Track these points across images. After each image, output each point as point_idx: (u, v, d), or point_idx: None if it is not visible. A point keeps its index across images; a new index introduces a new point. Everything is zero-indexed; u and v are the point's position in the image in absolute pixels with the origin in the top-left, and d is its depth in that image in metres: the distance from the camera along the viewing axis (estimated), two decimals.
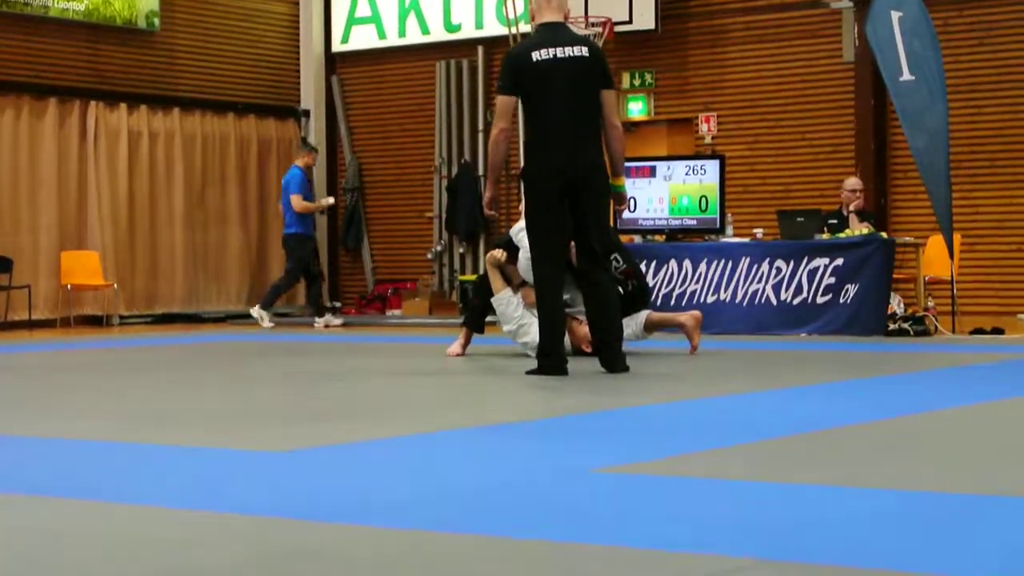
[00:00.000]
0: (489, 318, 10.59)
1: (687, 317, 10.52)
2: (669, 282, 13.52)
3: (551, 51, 8.51)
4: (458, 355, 10.39)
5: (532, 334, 9.82)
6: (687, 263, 13.67)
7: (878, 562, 3.21)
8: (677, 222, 14.13)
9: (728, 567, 3.17)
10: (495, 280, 10.23)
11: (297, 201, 16.24)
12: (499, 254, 10.29)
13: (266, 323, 16.37)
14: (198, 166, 19.48)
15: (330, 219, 21.06)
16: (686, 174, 14.04)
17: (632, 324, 10.26)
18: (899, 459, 4.97)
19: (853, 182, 14.35)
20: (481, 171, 19.72)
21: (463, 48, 19.87)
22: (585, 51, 8.56)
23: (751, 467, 4.79)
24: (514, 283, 10.19)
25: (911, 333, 12.58)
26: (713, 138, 17.74)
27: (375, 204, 20.84)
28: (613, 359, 8.57)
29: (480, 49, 19.71)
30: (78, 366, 10.89)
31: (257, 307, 16.81)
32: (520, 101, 8.60)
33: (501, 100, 8.61)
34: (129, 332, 16.67)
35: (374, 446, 5.42)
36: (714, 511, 3.92)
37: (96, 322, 18.13)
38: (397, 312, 19.62)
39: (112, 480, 4.68)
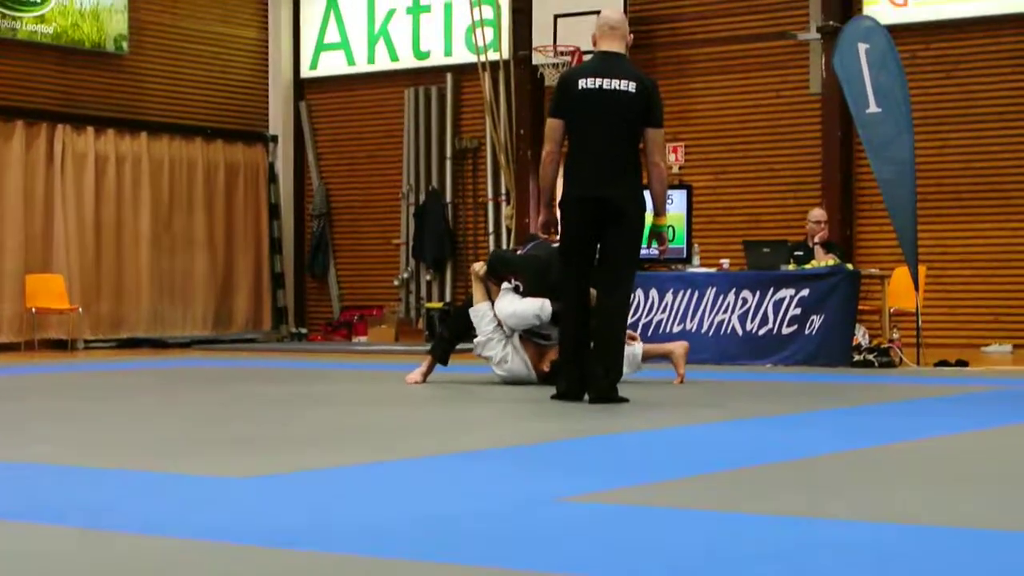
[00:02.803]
0: (460, 345, 10.59)
1: (676, 346, 10.57)
2: (635, 311, 13.53)
3: (598, 81, 8.55)
4: (417, 383, 10.36)
5: (496, 350, 10.05)
6: (653, 292, 13.69)
7: None
8: (644, 251, 14.09)
9: None
10: (477, 291, 10.32)
11: None
12: (479, 267, 10.38)
13: None
14: (165, 190, 19.44)
15: (296, 244, 21.03)
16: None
17: (629, 355, 10.24)
18: (864, 490, 4.97)
19: (817, 213, 14.39)
20: (449, 198, 19.73)
21: (432, 75, 19.89)
22: (633, 86, 8.55)
23: (715, 497, 4.79)
24: (494, 298, 10.23)
25: (876, 364, 12.61)
26: (680, 168, 17.78)
27: (342, 230, 20.82)
28: (603, 389, 8.47)
29: (449, 76, 19.74)
30: (40, 390, 10.82)
31: None
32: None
33: (549, 123, 8.72)
34: (94, 356, 16.59)
35: (336, 473, 5.39)
36: (678, 541, 3.91)
37: (61, 346, 18.05)
38: (363, 339, 19.58)
39: (68, 505, 4.64)
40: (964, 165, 16.27)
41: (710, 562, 3.59)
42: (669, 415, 8.02)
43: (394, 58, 20.16)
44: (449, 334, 10.59)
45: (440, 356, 10.46)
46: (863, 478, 5.32)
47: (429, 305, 19.54)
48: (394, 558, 3.65)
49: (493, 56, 18.92)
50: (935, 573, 3.46)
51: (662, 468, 5.53)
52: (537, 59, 18.09)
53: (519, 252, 10.76)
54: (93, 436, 7.03)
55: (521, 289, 10.06)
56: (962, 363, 13.15)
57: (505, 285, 10.14)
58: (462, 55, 19.55)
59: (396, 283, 20.10)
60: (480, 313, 10.22)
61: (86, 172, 18.57)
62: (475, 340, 10.26)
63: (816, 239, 14.02)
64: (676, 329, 13.50)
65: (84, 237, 18.46)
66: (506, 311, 9.99)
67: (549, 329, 9.97)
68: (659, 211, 8.82)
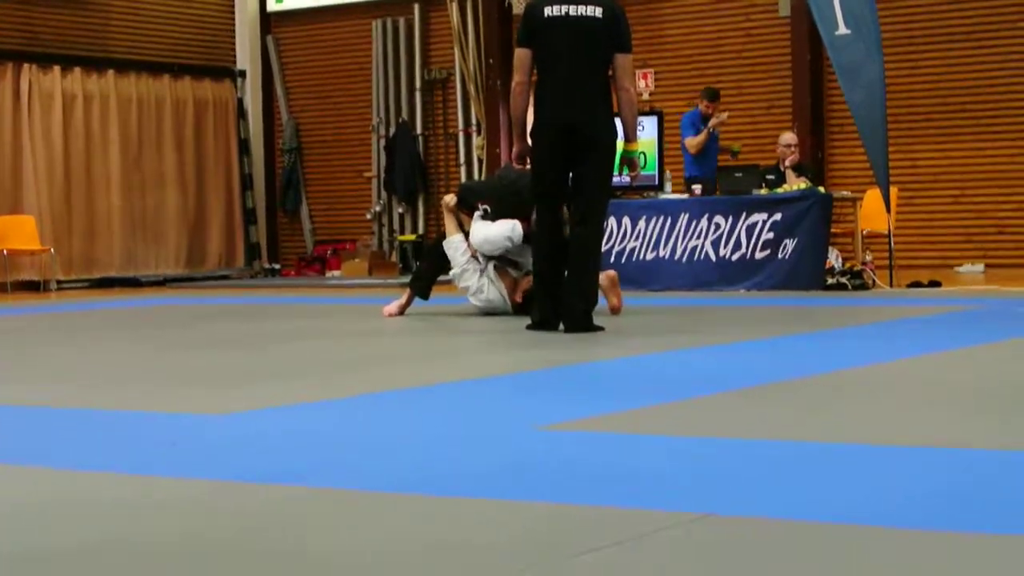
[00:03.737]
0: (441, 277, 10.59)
1: (601, 277, 10.42)
2: (608, 240, 13.52)
3: (564, 8, 8.52)
4: (394, 315, 10.37)
5: (472, 281, 10.08)
6: (626, 220, 13.68)
7: (820, 514, 3.22)
8: (616, 179, 14.09)
9: (670, 522, 3.18)
10: (449, 224, 10.37)
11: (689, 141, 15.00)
12: (449, 199, 10.42)
13: None
14: (134, 128, 19.31)
15: (268, 180, 20.95)
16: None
17: None
18: (836, 412, 5.00)
19: (788, 137, 14.39)
20: (420, 130, 19.67)
21: (399, 6, 19.76)
22: (599, 12, 8.52)
23: (693, 423, 4.81)
24: (467, 229, 10.24)
25: (849, 287, 12.64)
26: (650, 94, 17.74)
27: (313, 165, 20.75)
28: (579, 319, 8.47)
29: (416, 7, 19.61)
30: (13, 332, 10.79)
31: None
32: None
33: (517, 53, 8.70)
34: (67, 297, 16.54)
35: (313, 407, 5.39)
36: (657, 467, 3.93)
37: (33, 287, 17.98)
38: (337, 273, 19.55)
39: (51, 445, 4.64)
40: (934, 85, 16.26)
41: (688, 487, 3.61)
42: (645, 343, 8.04)
43: None
44: (427, 268, 10.59)
45: (420, 290, 10.46)
46: (841, 400, 5.35)
47: (402, 238, 19.50)
48: (371, 490, 3.66)
49: None
50: (913, 490, 3.49)
51: (641, 395, 5.55)
52: None
53: (492, 177, 10.81)
54: (66, 377, 7.02)
55: (490, 211, 10.08)
56: (935, 284, 13.19)
57: (476, 213, 10.17)
58: None
59: (368, 216, 20.05)
60: (453, 245, 10.24)
61: (53, 112, 18.44)
62: (451, 272, 10.28)
63: (787, 163, 14.02)
64: (650, 256, 13.51)
65: (54, 178, 18.35)
66: (478, 237, 10.02)
67: (522, 257, 9.99)
68: (630, 137, 8.81)
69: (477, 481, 3.78)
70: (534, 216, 9.14)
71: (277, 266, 20.73)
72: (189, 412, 5.31)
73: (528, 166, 8.96)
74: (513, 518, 3.31)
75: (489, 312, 10.12)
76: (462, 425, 4.84)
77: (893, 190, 13.47)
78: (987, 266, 15.74)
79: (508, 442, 4.41)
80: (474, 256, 10.15)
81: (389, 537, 3.14)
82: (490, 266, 10.14)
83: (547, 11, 8.55)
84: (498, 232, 9.95)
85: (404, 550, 3.02)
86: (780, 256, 12.95)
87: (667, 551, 2.94)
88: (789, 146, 14.17)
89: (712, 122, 14.67)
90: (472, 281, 10.16)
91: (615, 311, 9.88)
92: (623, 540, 3.01)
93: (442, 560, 2.91)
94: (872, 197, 13.94)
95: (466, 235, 10.25)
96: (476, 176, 18.78)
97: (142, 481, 3.88)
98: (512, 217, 9.98)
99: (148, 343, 9.22)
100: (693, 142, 14.69)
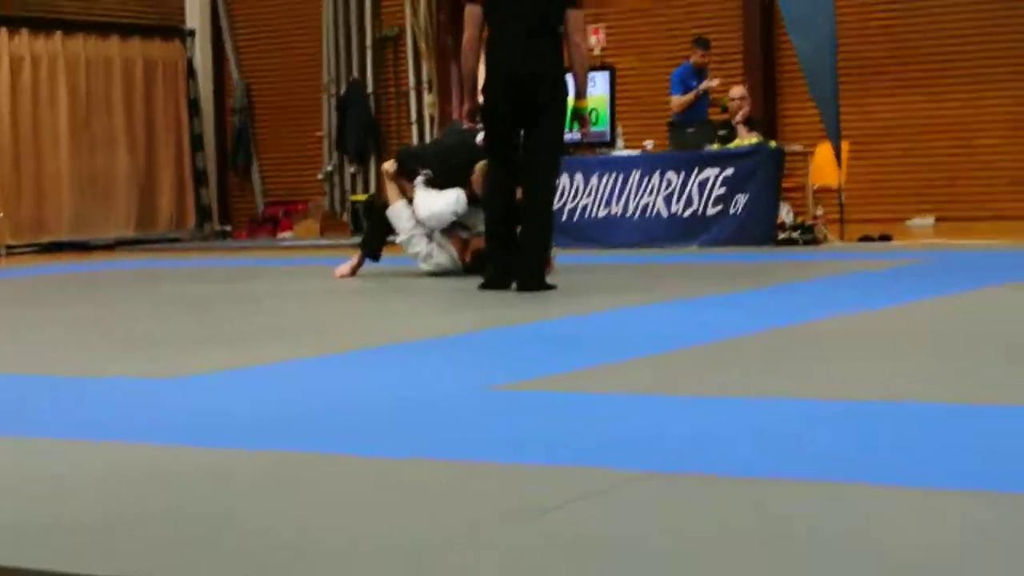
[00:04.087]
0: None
1: None
2: (561, 196, 13.50)
3: None
4: (346, 276, 10.35)
5: (421, 246, 10.00)
6: (578, 177, 13.67)
7: (766, 471, 3.24)
8: (567, 136, 14.08)
9: (619, 480, 3.19)
10: (391, 191, 10.26)
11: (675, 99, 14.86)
12: (389, 165, 10.35)
13: None
14: (83, 90, 19.15)
15: (218, 140, 20.83)
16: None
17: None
18: (789, 368, 5.03)
19: (737, 91, 14.39)
20: (371, 89, 19.58)
21: None
22: None
23: (645, 381, 4.83)
24: (408, 196, 10.18)
25: (800, 242, 12.68)
26: (602, 50, 17.69)
27: (264, 125, 20.64)
28: (532, 278, 8.46)
29: None
30: None
31: None
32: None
33: (467, 9, 8.64)
34: (17, 262, 16.43)
35: (265, 369, 5.38)
36: (609, 425, 3.94)
37: None
38: (288, 234, 19.49)
39: (7, 412, 4.61)
40: (885, 34, 16.27)
41: (638, 445, 3.62)
42: (597, 300, 8.05)
43: None
44: (374, 231, 10.54)
45: (370, 252, 10.42)
46: (794, 355, 5.37)
47: (354, 198, 19.42)
48: (324, 452, 3.66)
49: None
50: (863, 446, 3.51)
51: (594, 353, 5.56)
52: None
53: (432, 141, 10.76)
54: (16, 342, 6.98)
55: (431, 175, 10.04)
56: (885, 237, 13.24)
57: (418, 179, 10.11)
58: None
59: (320, 176, 19.96)
60: (397, 212, 10.17)
61: (1, 73, 18.27)
62: (398, 239, 10.24)
63: (739, 117, 14.03)
64: (601, 213, 13.51)
65: (1, 141, 18.20)
66: (423, 213, 9.97)
67: (471, 219, 9.96)
68: (580, 93, 8.80)
69: (432, 443, 3.77)
70: (479, 175, 9.14)
71: (228, 228, 20.64)
72: (135, 376, 5.28)
73: (478, 124, 8.95)
74: (474, 478, 3.31)
75: (438, 274, 10.09)
76: (414, 386, 4.83)
77: (844, 144, 13.50)
78: (938, 219, 15.81)
79: (461, 402, 4.41)
80: (419, 221, 10.09)
81: (343, 499, 3.13)
82: (436, 231, 10.10)
83: None
84: (443, 207, 9.90)
85: (361, 514, 3.01)
86: (732, 212, 12.96)
87: (629, 507, 2.94)
88: (739, 100, 14.18)
89: (703, 85, 14.59)
90: (421, 247, 10.11)
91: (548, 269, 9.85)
92: (586, 496, 3.02)
93: (406, 521, 2.90)
94: (823, 151, 13.96)
95: (409, 200, 10.18)
96: (428, 134, 18.72)
97: (86, 447, 3.87)
98: (454, 180, 9.93)
99: (95, 307, 9.17)
100: (679, 101, 14.60)
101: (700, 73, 14.62)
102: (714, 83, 14.65)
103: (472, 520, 2.90)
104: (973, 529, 2.71)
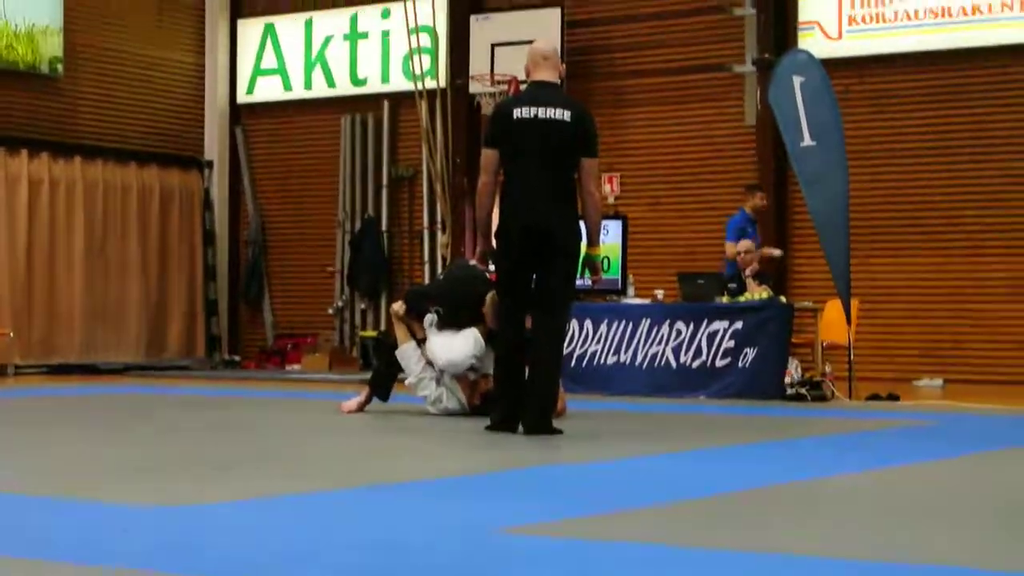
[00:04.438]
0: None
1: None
2: (570, 342, 13.53)
3: (533, 110, 8.55)
4: (353, 411, 10.34)
5: (430, 390, 10.01)
6: (588, 323, 13.71)
7: None
8: (579, 282, 14.14)
9: None
10: (399, 332, 10.27)
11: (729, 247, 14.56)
12: (398, 307, 10.35)
13: None
14: (99, 215, 19.28)
15: (231, 271, 20.93)
16: None
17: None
18: (792, 524, 5.01)
19: (744, 244, 14.50)
20: (385, 226, 19.71)
21: (369, 102, 19.87)
22: (568, 115, 8.56)
23: (648, 530, 4.81)
24: (418, 336, 10.20)
25: (808, 398, 12.67)
26: (616, 198, 17.84)
27: (277, 257, 20.74)
28: (539, 422, 8.46)
29: (386, 104, 19.72)
30: None
31: None
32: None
33: (484, 153, 8.69)
34: (25, 382, 16.43)
35: (270, 502, 5.36)
36: (622, 573, 3.93)
37: None
38: (296, 367, 19.50)
39: None
40: (896, 200, 16.41)
41: None
42: (603, 447, 8.04)
43: (331, 84, 20.13)
44: (384, 371, 10.51)
45: (379, 392, 10.39)
46: (798, 512, 5.35)
47: (363, 333, 19.47)
48: None
49: (430, 84, 18.93)
50: None
51: (601, 500, 5.54)
52: (474, 88, 18.12)
53: (441, 277, 10.80)
54: (20, 463, 6.97)
55: (441, 313, 10.05)
56: (893, 397, 13.23)
57: (428, 318, 10.13)
58: (399, 83, 19.55)
59: (330, 311, 20.03)
60: (406, 354, 10.18)
61: (19, 195, 18.42)
62: (406, 381, 10.24)
63: (748, 271, 14.09)
64: (611, 361, 13.53)
65: (16, 261, 18.30)
66: (441, 360, 9.95)
67: (482, 359, 9.95)
68: (593, 241, 8.84)
69: None
70: (490, 306, 9.16)
71: (237, 358, 20.65)
72: (131, 503, 5.26)
73: (491, 267, 8.99)
74: None
75: (448, 414, 10.08)
76: (422, 527, 4.81)
77: (854, 302, 13.54)
78: (945, 380, 15.80)
79: (469, 545, 4.39)
80: (429, 364, 10.10)
81: None
82: (445, 374, 10.10)
83: (516, 113, 8.59)
84: (462, 352, 9.88)
85: None
86: (740, 364, 12.98)
87: None
88: (748, 252, 14.28)
89: (765, 250, 14.44)
90: (429, 390, 10.11)
91: (557, 413, 9.82)
92: None
93: None
94: (833, 308, 14.00)
95: (418, 342, 10.19)
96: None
97: (80, 571, 3.85)
98: (464, 315, 9.95)
99: (100, 431, 9.15)
100: (732, 251, 14.30)
101: (755, 223, 14.54)
102: (776, 252, 14.56)
103: None
104: None
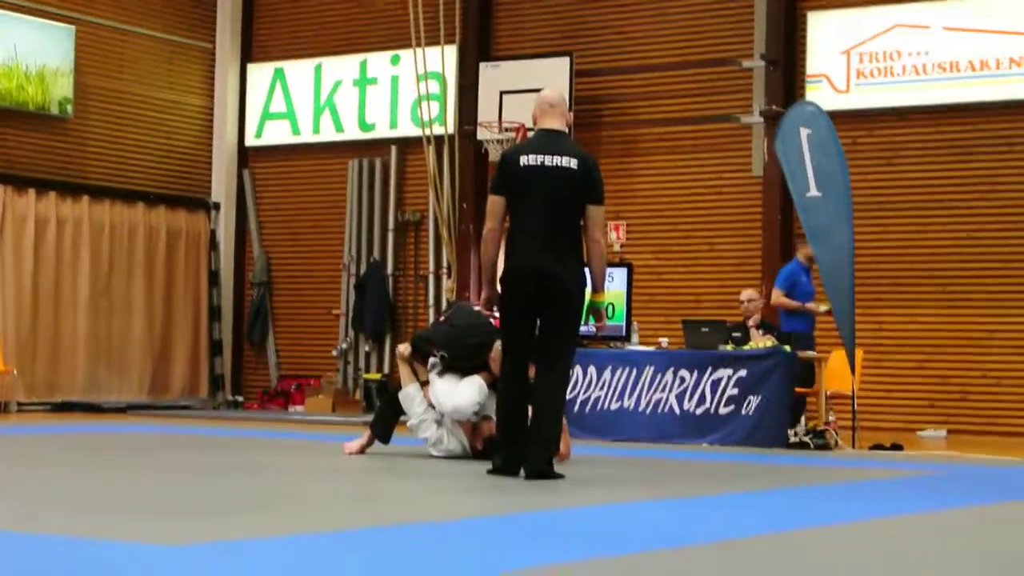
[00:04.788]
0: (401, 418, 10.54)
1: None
2: (573, 388, 13.53)
3: (540, 158, 8.57)
4: (355, 453, 10.34)
5: (431, 432, 10.01)
6: (592, 370, 13.71)
7: None
8: (583, 328, 14.15)
9: None
10: (403, 373, 10.28)
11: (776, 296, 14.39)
12: (403, 348, 10.36)
13: None
14: (105, 254, 19.33)
15: (236, 312, 20.95)
16: None
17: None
18: (796, 572, 4.99)
19: (748, 293, 14.51)
20: (391, 270, 19.74)
21: (376, 147, 19.93)
22: (574, 163, 8.58)
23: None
24: (421, 378, 10.21)
25: (812, 447, 12.66)
26: (621, 246, 17.86)
27: (282, 299, 20.76)
28: (539, 466, 8.44)
29: (393, 149, 19.78)
30: None
31: None
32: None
33: (490, 199, 8.70)
34: (27, 419, 16.42)
35: (269, 544, 5.35)
36: None
37: None
38: (300, 408, 19.49)
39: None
40: (902, 252, 16.43)
41: None
42: (605, 493, 8.02)
43: (339, 129, 20.20)
44: (386, 413, 10.52)
45: (381, 435, 10.40)
46: (801, 560, 5.34)
47: (367, 376, 19.48)
48: None
49: (438, 130, 18.99)
50: None
51: (602, 546, 5.53)
52: (482, 134, 18.17)
53: (441, 319, 10.82)
54: (19, 501, 6.96)
55: (446, 357, 10.06)
56: (897, 447, 13.21)
57: (432, 361, 10.13)
58: (407, 128, 19.61)
59: (334, 353, 20.04)
60: (409, 396, 10.19)
61: (26, 234, 18.47)
62: (408, 423, 10.25)
63: (751, 321, 14.10)
64: (614, 407, 13.52)
65: (21, 299, 18.33)
66: (447, 406, 9.95)
67: (484, 405, 9.95)
68: (597, 288, 8.84)
69: None
70: (497, 354, 9.16)
71: (240, 398, 20.65)
72: (129, 541, 5.25)
73: (495, 312, 8.99)
74: None
75: (450, 457, 10.07)
76: (422, 570, 4.80)
77: (858, 352, 13.54)
78: (949, 431, 15.79)
79: None
80: (431, 406, 10.11)
81: None
82: (447, 416, 10.10)
83: (523, 160, 8.61)
84: (466, 399, 9.88)
85: None
86: (744, 412, 12.98)
87: None
88: (750, 301, 14.29)
89: (810, 305, 14.26)
90: (431, 432, 10.11)
91: (562, 458, 9.75)
92: None
93: None
94: (837, 357, 14.00)
95: (422, 384, 10.20)
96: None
97: None
98: (468, 361, 9.96)
99: (100, 469, 9.14)
100: (781, 300, 14.15)
101: (808, 272, 14.31)
102: (822, 309, 14.41)
103: None
104: None
